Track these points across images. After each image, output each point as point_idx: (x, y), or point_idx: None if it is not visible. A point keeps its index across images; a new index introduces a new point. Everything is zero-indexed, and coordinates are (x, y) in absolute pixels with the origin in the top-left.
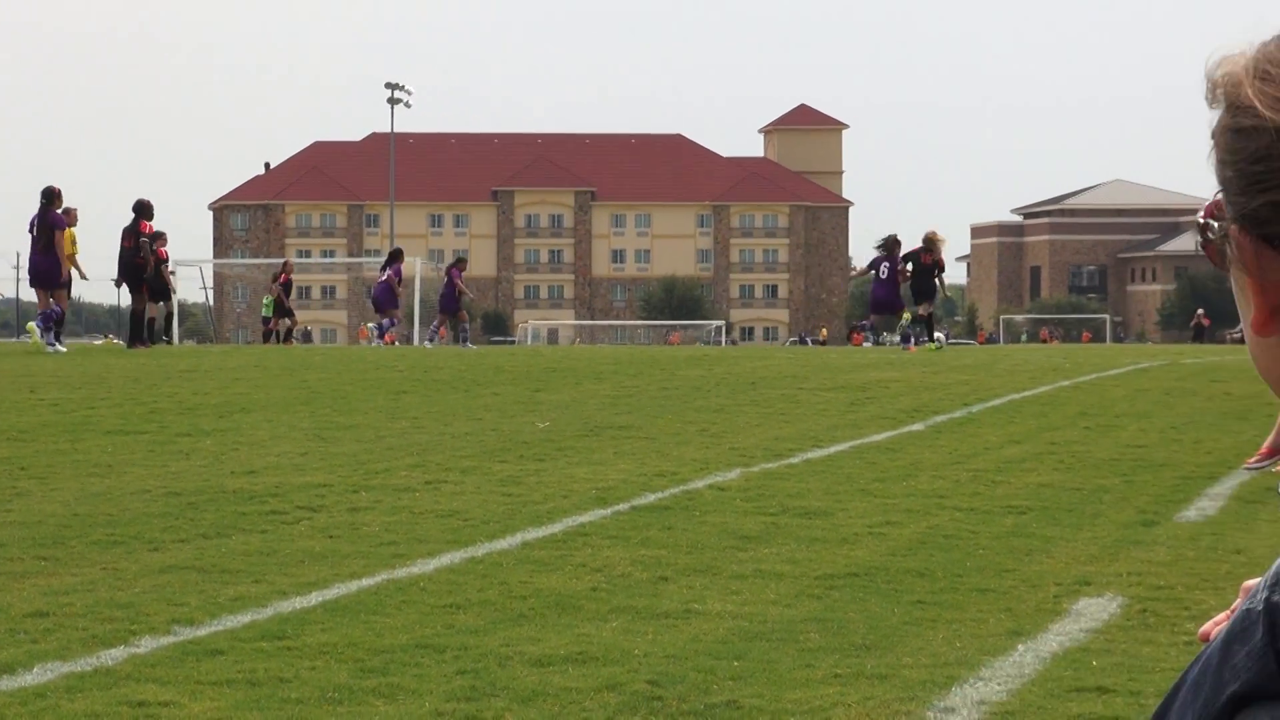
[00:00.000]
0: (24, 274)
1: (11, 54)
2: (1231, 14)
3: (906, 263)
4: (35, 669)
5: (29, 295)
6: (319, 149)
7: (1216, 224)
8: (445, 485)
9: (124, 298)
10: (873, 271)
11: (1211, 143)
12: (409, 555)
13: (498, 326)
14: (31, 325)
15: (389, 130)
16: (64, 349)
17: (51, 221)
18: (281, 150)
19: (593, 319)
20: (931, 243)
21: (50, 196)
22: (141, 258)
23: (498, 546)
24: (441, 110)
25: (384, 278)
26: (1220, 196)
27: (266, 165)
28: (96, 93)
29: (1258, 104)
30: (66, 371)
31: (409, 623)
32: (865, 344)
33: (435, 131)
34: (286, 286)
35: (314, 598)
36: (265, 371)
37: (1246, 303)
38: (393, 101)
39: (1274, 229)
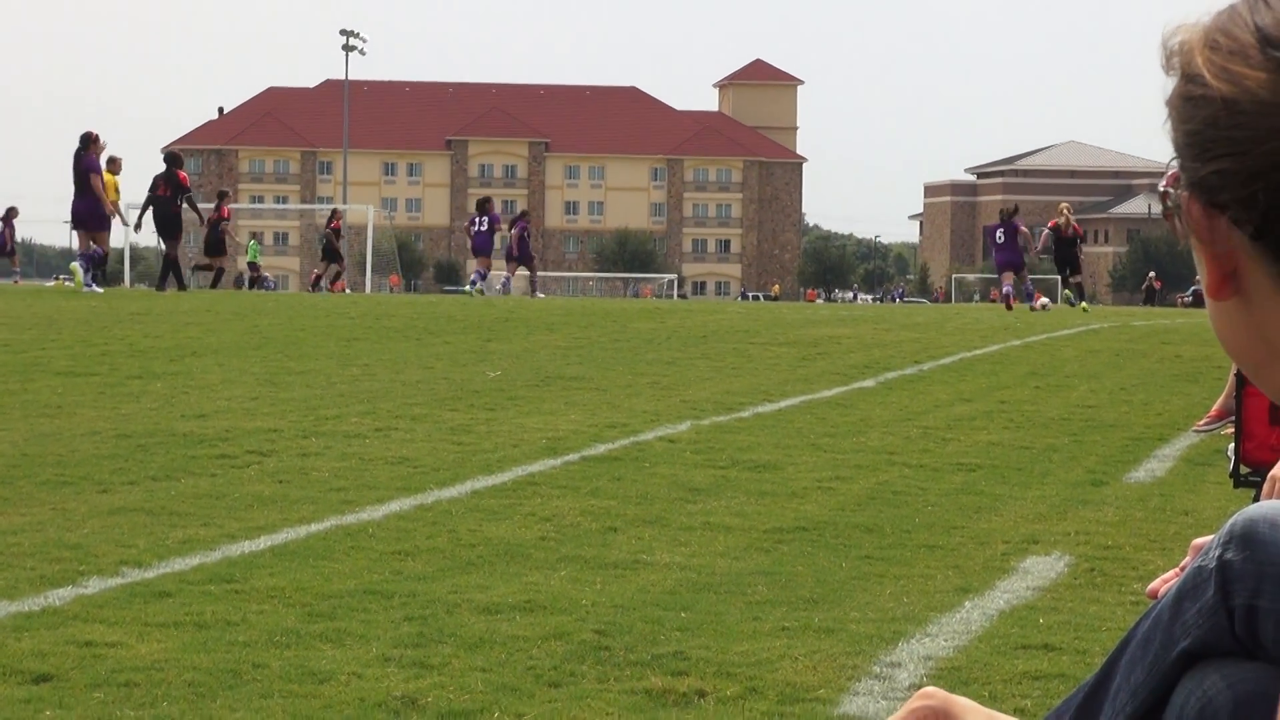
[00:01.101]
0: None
1: None
2: None
3: (1050, 235)
4: None
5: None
6: (273, 94)
7: (1175, 193)
8: (396, 432)
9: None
10: (990, 238)
11: (1166, 110)
12: (358, 502)
13: (450, 276)
14: (74, 265)
15: (343, 77)
16: (100, 290)
17: (86, 165)
18: (235, 95)
19: (545, 271)
20: (1067, 218)
21: (86, 141)
22: (177, 206)
23: (447, 494)
24: (396, 58)
25: (484, 227)
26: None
27: (220, 110)
28: (49, 35)
29: (1206, 73)
30: (17, 312)
31: (357, 568)
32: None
33: (390, 79)
34: (336, 233)
35: (263, 542)
36: (217, 316)
37: (1202, 269)
38: (347, 49)
39: (1222, 197)
